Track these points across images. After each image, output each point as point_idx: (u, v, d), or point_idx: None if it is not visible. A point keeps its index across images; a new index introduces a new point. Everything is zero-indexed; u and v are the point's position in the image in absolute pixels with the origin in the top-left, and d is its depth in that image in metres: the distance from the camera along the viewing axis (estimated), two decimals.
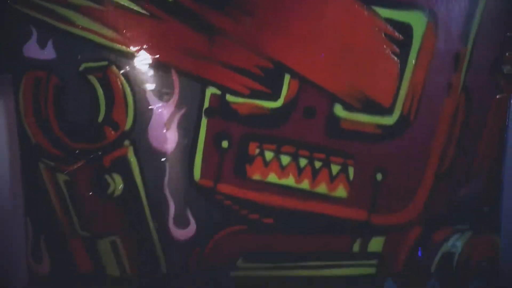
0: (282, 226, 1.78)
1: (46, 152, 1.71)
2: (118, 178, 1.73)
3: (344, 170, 1.76)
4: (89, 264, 1.79)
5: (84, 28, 1.64)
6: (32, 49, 1.65)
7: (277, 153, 1.74)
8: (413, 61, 1.68)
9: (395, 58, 1.68)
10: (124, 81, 1.67)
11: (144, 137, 1.71)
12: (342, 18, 1.66)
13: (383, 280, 1.85)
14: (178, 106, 1.69)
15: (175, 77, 1.67)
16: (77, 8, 1.62)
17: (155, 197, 1.75)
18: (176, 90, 1.68)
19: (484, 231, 1.87)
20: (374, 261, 1.83)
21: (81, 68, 1.66)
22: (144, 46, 1.65)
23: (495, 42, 1.72)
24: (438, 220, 1.83)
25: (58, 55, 1.65)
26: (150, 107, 1.69)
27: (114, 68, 1.67)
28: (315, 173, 1.75)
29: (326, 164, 1.75)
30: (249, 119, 1.71)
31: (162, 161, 1.72)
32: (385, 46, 1.67)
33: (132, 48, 1.65)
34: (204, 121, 1.71)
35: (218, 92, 1.69)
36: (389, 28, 1.66)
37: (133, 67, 1.67)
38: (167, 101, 1.69)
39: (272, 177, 1.75)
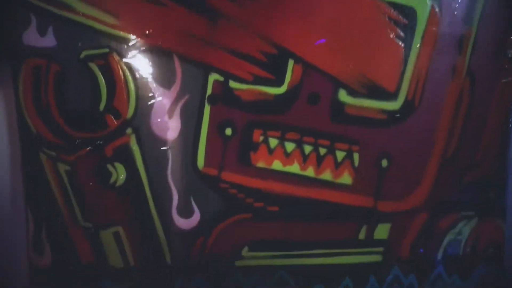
0: (287, 214, 1.76)
1: (47, 141, 1.69)
2: (120, 167, 1.71)
3: (349, 156, 1.74)
4: (91, 256, 1.76)
5: (84, 15, 1.61)
6: (32, 37, 1.62)
7: (282, 140, 1.72)
8: (418, 45, 1.67)
9: (400, 42, 1.67)
10: (126, 68, 1.65)
11: (146, 125, 1.68)
12: (346, 3, 1.64)
13: (389, 268, 1.83)
14: (180, 93, 1.67)
15: (177, 64, 1.65)
16: None
17: (158, 186, 1.72)
18: (178, 77, 1.66)
19: (490, 217, 1.86)
20: (380, 249, 1.82)
21: (82, 56, 1.64)
22: (146, 32, 1.63)
23: (500, 25, 1.71)
24: (444, 207, 1.82)
25: (58, 42, 1.63)
26: (152, 94, 1.67)
27: (115, 55, 1.64)
28: (320, 160, 1.74)
29: (331, 151, 1.74)
30: (253, 106, 1.69)
31: (165, 149, 1.70)
32: (389, 30, 1.66)
33: (134, 35, 1.63)
34: (207, 108, 1.69)
35: (221, 78, 1.67)
36: (393, 12, 1.65)
37: (135, 54, 1.64)
38: (169, 88, 1.67)
39: (277, 165, 1.73)
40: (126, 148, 1.70)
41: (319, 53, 1.67)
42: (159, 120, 1.68)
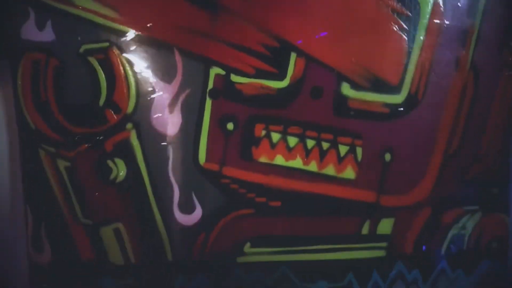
0: (290, 209, 1.75)
1: (46, 137, 1.66)
2: (120, 163, 1.69)
3: (352, 150, 1.73)
4: (91, 253, 1.74)
5: (83, 8, 1.59)
6: (30, 31, 1.60)
7: (284, 134, 1.70)
8: (421, 38, 1.66)
9: (403, 35, 1.65)
10: (126, 63, 1.63)
11: (147, 120, 1.66)
12: None
13: (393, 263, 1.82)
14: (181, 87, 1.65)
15: (178, 57, 1.63)
16: None
17: (159, 182, 1.70)
18: (179, 71, 1.64)
19: (494, 211, 1.85)
20: (383, 244, 1.80)
21: (81, 50, 1.62)
22: (146, 26, 1.60)
23: (504, 18, 1.70)
24: (447, 201, 1.81)
25: (57, 36, 1.61)
26: (152, 89, 1.65)
27: (115, 49, 1.62)
28: (322, 154, 1.72)
29: (334, 145, 1.72)
30: (255, 100, 1.67)
31: (166, 144, 1.68)
32: (392, 23, 1.65)
33: (134, 28, 1.61)
34: (208, 103, 1.67)
35: (223, 72, 1.65)
36: (397, 5, 1.64)
37: (135, 48, 1.62)
38: (170, 82, 1.65)
39: (279, 159, 1.72)
40: (127, 143, 1.68)
41: (322, 46, 1.65)
42: (159, 115, 1.66)
